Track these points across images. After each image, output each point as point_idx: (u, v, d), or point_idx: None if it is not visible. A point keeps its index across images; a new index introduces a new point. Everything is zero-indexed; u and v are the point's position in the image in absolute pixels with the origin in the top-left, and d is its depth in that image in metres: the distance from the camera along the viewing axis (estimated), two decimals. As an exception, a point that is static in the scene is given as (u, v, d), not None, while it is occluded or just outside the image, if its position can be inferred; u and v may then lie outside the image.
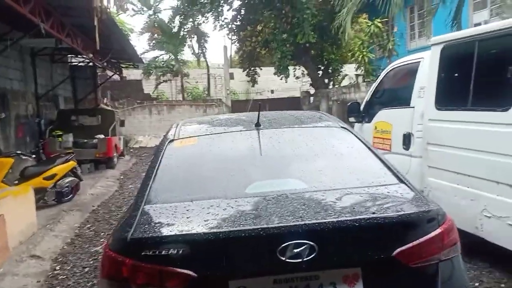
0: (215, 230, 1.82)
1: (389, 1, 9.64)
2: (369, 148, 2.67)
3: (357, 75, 19.93)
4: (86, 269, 4.51)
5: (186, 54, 24.04)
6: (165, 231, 1.87)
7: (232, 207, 2.02)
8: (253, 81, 21.94)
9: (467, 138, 3.71)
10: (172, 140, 2.76)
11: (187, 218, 1.96)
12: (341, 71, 19.51)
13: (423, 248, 1.88)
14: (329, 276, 1.84)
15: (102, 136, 10.82)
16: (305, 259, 1.75)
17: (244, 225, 1.83)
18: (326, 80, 19.79)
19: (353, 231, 1.84)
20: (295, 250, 1.75)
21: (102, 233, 5.77)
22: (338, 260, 1.83)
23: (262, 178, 2.37)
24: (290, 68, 19.28)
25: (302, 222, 1.82)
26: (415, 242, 1.86)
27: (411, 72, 4.86)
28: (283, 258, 1.74)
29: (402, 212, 1.97)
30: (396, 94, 5.35)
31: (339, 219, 1.86)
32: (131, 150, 16.02)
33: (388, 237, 1.88)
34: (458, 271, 2.02)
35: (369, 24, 15.05)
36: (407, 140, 4.64)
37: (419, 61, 4.74)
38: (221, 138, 2.83)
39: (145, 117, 18.98)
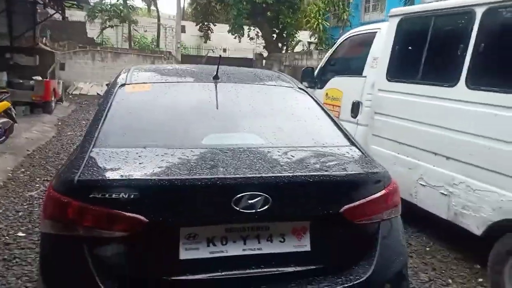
0: (170, 177, 1.78)
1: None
2: (324, 111, 2.71)
3: (309, 43, 20.06)
4: (20, 213, 4.31)
5: (136, 0, 22.65)
6: (116, 175, 1.79)
7: (188, 156, 1.98)
8: (206, 37, 21.40)
9: (413, 110, 3.88)
10: (123, 84, 2.62)
11: (140, 163, 1.89)
12: (295, 37, 19.48)
13: (368, 207, 1.97)
14: (279, 227, 1.89)
15: (39, 78, 10.09)
16: (258, 210, 1.77)
17: (201, 174, 1.81)
18: (280, 44, 19.73)
19: (306, 186, 1.88)
20: (250, 201, 1.76)
21: (38, 179, 5.50)
22: (289, 213, 1.87)
23: (219, 131, 2.34)
24: (245, 28, 18.95)
25: (259, 175, 1.83)
26: (361, 201, 1.95)
27: (366, 42, 4.94)
28: (237, 208, 1.75)
29: (352, 172, 2.04)
30: (349, 63, 5.44)
31: (294, 174, 1.90)
32: (70, 96, 15.20)
33: (337, 194, 1.95)
34: (397, 231, 2.15)
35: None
36: (355, 108, 4.78)
37: (376, 32, 4.82)
38: (177, 87, 2.74)
39: (87, 63, 17.90)
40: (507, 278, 2.98)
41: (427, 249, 3.90)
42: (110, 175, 1.80)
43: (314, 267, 1.91)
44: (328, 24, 16.10)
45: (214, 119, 2.45)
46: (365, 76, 4.72)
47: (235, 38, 19.74)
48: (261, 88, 2.92)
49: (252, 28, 20.11)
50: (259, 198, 1.77)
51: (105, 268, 1.74)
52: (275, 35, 19.78)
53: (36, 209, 4.45)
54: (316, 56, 14.97)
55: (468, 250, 3.76)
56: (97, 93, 17.21)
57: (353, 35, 5.37)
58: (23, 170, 5.85)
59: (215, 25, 22.32)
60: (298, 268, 1.88)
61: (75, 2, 14.21)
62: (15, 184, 5.23)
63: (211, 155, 2.01)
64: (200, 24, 21.45)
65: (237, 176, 1.81)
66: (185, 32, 23.29)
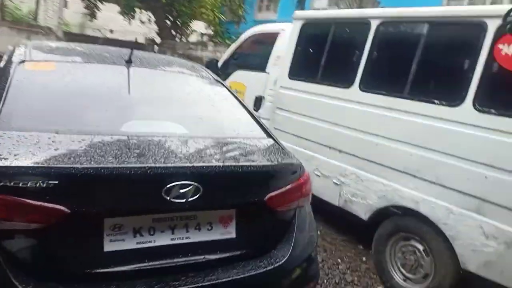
0: (94, 165, 1.70)
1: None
2: (241, 103, 2.83)
3: (202, 34, 20.01)
4: None
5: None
6: (30, 161, 1.65)
7: (109, 144, 1.89)
8: (92, 15, 19.83)
9: (311, 107, 4.23)
10: (23, 61, 2.39)
11: (56, 150, 1.75)
12: (190, 26, 19.24)
13: (287, 195, 2.15)
14: (206, 216, 1.95)
15: None
16: (189, 199, 1.80)
17: (128, 163, 1.76)
18: (174, 32, 19.28)
19: (234, 176, 1.98)
20: (181, 191, 1.78)
21: None
22: (216, 202, 1.94)
23: (138, 118, 2.29)
24: (137, 11, 18.10)
25: (191, 164, 1.86)
26: (282, 190, 2.11)
27: (270, 40, 5.19)
28: (168, 198, 1.76)
29: (274, 163, 2.19)
30: (253, 58, 5.65)
31: (224, 164, 1.98)
32: None
33: (261, 183, 2.08)
34: (309, 216, 2.38)
35: (224, -15, 15.19)
36: (258, 102, 5.00)
37: (279, 32, 5.10)
38: (87, 68, 2.58)
39: None
40: (388, 256, 3.47)
41: (318, 232, 4.30)
42: (24, 161, 1.65)
43: (239, 252, 2.01)
44: (224, 18, 16.26)
45: (132, 105, 2.39)
46: (268, 73, 4.97)
47: (124, 20, 18.70)
48: (177, 76, 2.92)
49: (144, 11, 19.28)
50: (191, 187, 1.80)
51: (20, 264, 1.61)
52: (169, 22, 19.28)
53: None
54: (211, 48, 15.06)
55: (351, 234, 4.26)
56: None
57: (257, 33, 5.59)
58: None
59: (103, 4, 20.84)
60: (224, 255, 1.97)
61: None
62: None
63: (135, 143, 1.96)
64: (87, 0, 19.81)
65: (169, 165, 1.82)
66: (66, 8, 21.32)
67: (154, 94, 2.54)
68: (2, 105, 1.95)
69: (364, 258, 3.89)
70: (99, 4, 19.60)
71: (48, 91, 2.24)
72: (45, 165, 1.63)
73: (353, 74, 3.77)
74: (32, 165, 1.62)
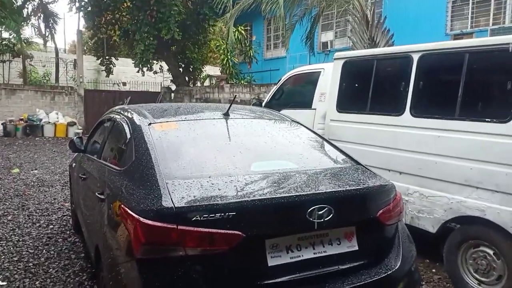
0: (258, 197, 2.13)
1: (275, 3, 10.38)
2: (324, 139, 3.27)
3: (210, 76, 20.82)
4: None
5: (30, 34, 21.13)
6: (209, 199, 2.08)
7: (252, 181, 2.33)
8: (108, 71, 20.81)
9: (364, 136, 4.64)
10: (150, 123, 2.86)
11: (219, 189, 2.19)
12: (202, 71, 20.10)
13: (392, 211, 2.54)
14: (335, 233, 2.34)
15: None
16: (325, 219, 2.20)
17: (277, 193, 2.19)
18: (187, 78, 20.13)
19: (353, 197, 2.39)
20: (319, 212, 2.19)
21: None
22: (341, 220, 2.34)
23: (258, 159, 2.72)
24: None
25: (325, 190, 2.28)
26: (389, 206, 2.51)
27: (311, 80, 5.70)
28: (311, 219, 2.17)
29: (380, 184, 2.59)
30: (296, 97, 6.15)
31: (346, 188, 2.38)
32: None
33: (373, 202, 2.48)
34: (405, 229, 2.76)
35: (234, 30, 16.02)
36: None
37: (320, 71, 5.61)
38: (200, 124, 3.06)
39: (-23, 101, 16.21)
40: (460, 264, 3.78)
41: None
42: (205, 200, 2.07)
43: (363, 262, 2.39)
44: (236, 60, 17.07)
45: (247, 150, 2.82)
46: (315, 109, 5.44)
47: (138, 72, 19.63)
48: (267, 121, 3.36)
49: (155, 62, 20.23)
50: (326, 209, 2.21)
51: (211, 281, 2.00)
52: (181, 69, 20.16)
53: (2, 257, 4.18)
54: (227, 90, 15.69)
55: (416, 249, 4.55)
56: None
57: (296, 74, 6.12)
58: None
59: (117, 59, 21.87)
60: (353, 264, 2.35)
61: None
62: None
63: (269, 179, 2.40)
64: (101, 58, 20.82)
65: (310, 192, 2.23)
66: (83, 66, 22.35)
67: (258, 139, 2.98)
68: (157, 161, 2.39)
69: (434, 270, 4.19)
70: (113, 60, 20.60)
71: (182, 145, 2.69)
72: (223, 201, 2.04)
73: (403, 102, 4.21)
74: (213, 202, 2.04)
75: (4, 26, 18.00)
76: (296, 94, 6.22)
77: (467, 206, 3.69)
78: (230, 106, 3.10)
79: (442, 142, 3.88)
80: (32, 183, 7.92)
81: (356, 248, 2.38)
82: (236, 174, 2.40)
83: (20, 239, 4.76)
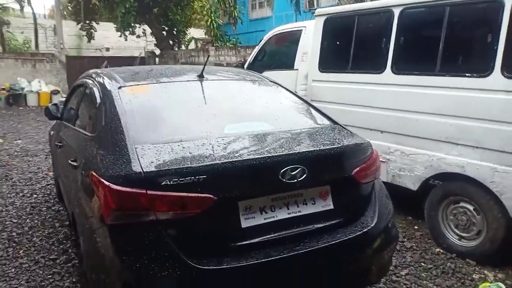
0: (229, 160, 2.09)
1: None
2: (301, 98, 3.21)
3: (196, 39, 20.34)
4: None
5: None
6: (179, 163, 2.04)
7: (225, 144, 2.29)
8: (89, 36, 20.30)
9: (345, 95, 4.59)
10: (120, 87, 2.76)
11: (190, 153, 2.14)
12: (186, 34, 19.61)
13: (367, 169, 2.53)
14: (310, 193, 2.33)
15: None
16: (299, 179, 2.18)
17: (249, 155, 2.15)
18: (171, 42, 19.66)
19: (327, 157, 2.36)
20: (292, 173, 2.16)
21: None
22: (316, 180, 2.32)
23: (232, 121, 2.66)
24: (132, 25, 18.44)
25: (298, 150, 2.24)
26: (364, 164, 2.50)
27: (293, 39, 5.55)
28: (284, 180, 2.14)
29: (354, 142, 2.56)
30: (278, 57, 6.01)
31: (319, 148, 2.35)
32: None
33: (348, 161, 2.46)
34: (382, 186, 2.76)
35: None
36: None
37: (301, 30, 5.46)
38: (172, 86, 2.97)
39: (-46, 70, 15.72)
40: (441, 220, 3.84)
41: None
42: (175, 164, 2.03)
43: (338, 220, 2.39)
44: (221, 21, 16.63)
45: (221, 112, 2.75)
46: (297, 69, 5.33)
47: (120, 36, 19.10)
48: (243, 82, 3.28)
49: (138, 25, 19.65)
50: (299, 169, 2.18)
51: (183, 243, 1.99)
52: (165, 33, 19.65)
53: None
54: (212, 53, 15.37)
55: (398, 207, 4.60)
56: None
57: (278, 33, 5.95)
58: None
59: (98, 23, 21.24)
60: (328, 223, 2.35)
61: None
62: None
63: (242, 140, 2.35)
64: (82, 23, 20.20)
65: (283, 153, 2.20)
66: (62, 32, 21.67)
67: (233, 101, 2.91)
68: (126, 125, 2.32)
69: (416, 227, 4.27)
70: (94, 24, 19.99)
71: (153, 109, 2.61)
72: (193, 164, 2.00)
73: (384, 59, 4.13)
74: (182, 166, 2.00)
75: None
76: (278, 55, 6.08)
77: (447, 163, 3.71)
78: (204, 67, 3.00)
79: (422, 99, 3.84)
80: (16, 153, 7.81)
81: (332, 207, 2.38)
82: (208, 137, 2.34)
83: (4, 209, 4.73)
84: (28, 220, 4.43)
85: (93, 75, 3.26)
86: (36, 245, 3.84)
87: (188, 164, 2.03)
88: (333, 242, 2.27)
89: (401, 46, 4.03)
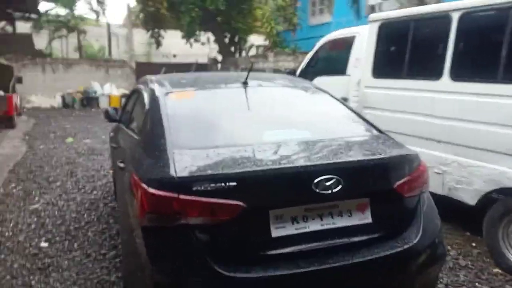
0: (261, 168, 2.07)
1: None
2: (346, 106, 3.11)
3: (257, 46, 20.57)
4: (33, 226, 4.32)
5: (83, 10, 21.88)
6: (212, 169, 2.05)
7: (260, 151, 2.26)
8: (158, 44, 21.23)
9: (400, 102, 4.38)
10: (167, 93, 2.85)
11: (224, 160, 2.15)
12: (247, 41, 19.91)
13: (413, 182, 2.38)
14: (346, 205, 2.23)
15: (2, 92, 9.71)
16: (333, 190, 2.10)
17: (284, 164, 2.11)
18: (233, 48, 20.06)
19: (366, 168, 2.26)
20: (327, 183, 2.09)
21: (34, 192, 5.46)
22: (353, 192, 2.22)
23: (270, 129, 2.63)
24: (197, 33, 19.07)
25: (333, 160, 2.17)
26: (407, 178, 2.35)
27: (346, 44, 5.42)
28: (317, 190, 2.08)
29: (398, 154, 2.43)
30: (331, 63, 5.91)
31: (358, 158, 2.26)
32: (24, 110, 14.55)
33: (390, 173, 2.33)
34: (431, 202, 2.58)
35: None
36: (344, 104, 5.24)
37: (355, 35, 5.32)
38: (216, 93, 3.02)
39: (37, 75, 17.21)
40: (501, 238, 3.53)
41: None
42: (207, 170, 2.05)
43: (377, 235, 2.27)
44: (281, 28, 16.68)
45: (262, 119, 2.74)
46: (349, 75, 5.20)
47: (186, 43, 19.78)
48: (287, 89, 3.26)
49: (202, 33, 20.28)
50: (334, 180, 2.10)
51: (213, 250, 2.00)
52: (227, 40, 20.10)
53: (47, 220, 4.48)
54: (271, 59, 15.45)
55: (456, 222, 4.32)
56: (51, 106, 16.66)
57: (331, 39, 5.84)
58: (13, 185, 5.76)
59: (165, 31, 22.20)
60: (365, 237, 2.24)
61: (25, 13, 13.66)
62: (13, 199, 5.18)
63: (279, 148, 2.32)
64: (151, 30, 21.23)
65: (316, 163, 2.14)
66: (133, 40, 23.00)
67: (274, 107, 2.89)
68: (168, 130, 2.39)
69: (473, 244, 3.96)
70: (162, 32, 20.93)
71: (195, 114, 2.67)
72: (224, 171, 2.01)
73: (441, 65, 3.89)
74: (214, 172, 2.01)
75: (58, 3, 18.74)
76: (331, 61, 5.96)
77: (509, 177, 3.41)
78: (248, 74, 3.01)
79: (483, 108, 3.57)
80: (83, 151, 8.35)
81: (370, 220, 2.26)
82: (245, 144, 2.34)
83: (65, 204, 5.07)
84: (85, 215, 4.70)
85: (146, 81, 3.41)
86: (90, 239, 4.06)
87: (219, 170, 2.04)
88: (370, 258, 2.15)
89: (459, 52, 3.78)
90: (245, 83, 3.00)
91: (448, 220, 4.35)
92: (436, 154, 4.00)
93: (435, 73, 3.99)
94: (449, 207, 3.96)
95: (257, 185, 2.06)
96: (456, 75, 3.81)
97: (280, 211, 2.10)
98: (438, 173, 3.98)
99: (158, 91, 2.92)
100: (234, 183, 1.99)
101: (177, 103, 2.75)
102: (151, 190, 2.04)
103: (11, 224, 4.35)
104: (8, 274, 3.34)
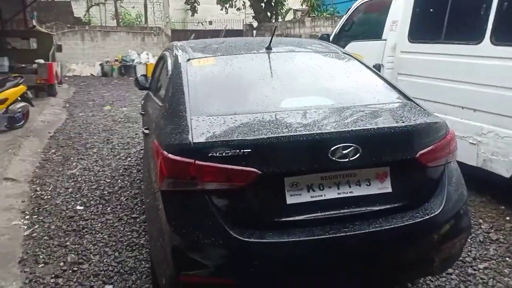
0: (276, 135, 2.03)
1: None
2: (374, 72, 2.98)
3: (295, 10, 20.02)
4: (70, 190, 4.54)
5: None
6: (227, 136, 2.05)
7: (278, 118, 2.23)
8: (193, 10, 21.16)
9: (437, 69, 4.16)
10: (189, 59, 2.84)
11: (240, 126, 2.14)
12: (284, 5, 19.42)
13: (437, 152, 2.27)
14: (365, 173, 2.17)
15: (42, 61, 10.05)
16: (350, 159, 2.05)
17: (300, 131, 2.07)
18: (269, 14, 19.65)
19: (387, 137, 2.17)
20: (344, 151, 2.03)
21: (72, 158, 5.70)
22: (372, 160, 2.14)
23: (292, 95, 2.58)
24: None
25: (351, 128, 2.10)
26: (431, 147, 2.24)
27: (382, 7, 5.15)
28: (334, 158, 2.03)
29: (422, 122, 2.32)
30: (366, 27, 5.65)
31: (378, 126, 2.18)
32: (65, 78, 15.05)
33: (412, 142, 2.23)
34: (457, 172, 2.47)
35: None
36: (377, 70, 5.03)
37: (393, -4, 5.03)
38: (239, 59, 2.96)
39: (77, 43, 17.64)
40: (537, 212, 3.37)
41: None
42: (223, 136, 2.05)
43: (396, 205, 2.20)
44: (318, -10, 16.15)
45: (283, 85, 2.68)
46: (385, 40, 4.96)
47: (221, 9, 19.58)
48: (312, 54, 3.15)
49: (238, -2, 19.96)
50: (351, 148, 2.04)
51: (227, 215, 2.02)
52: (263, 5, 19.68)
53: (83, 185, 4.69)
54: (308, 24, 15.04)
55: (491, 195, 4.15)
56: (91, 74, 17.13)
57: (366, 1, 5.56)
58: (53, 151, 6.03)
59: (201, -2, 22.03)
60: (383, 207, 2.18)
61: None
62: (52, 164, 5.44)
63: (297, 115, 2.27)
64: (187, -2, 21.14)
65: (333, 130, 2.08)
66: (169, 6, 23.00)
67: (297, 73, 2.82)
68: (189, 97, 2.39)
69: (508, 218, 3.79)
70: (197, -2, 20.77)
71: (217, 81, 2.66)
72: (239, 138, 2.00)
73: (482, 29, 3.63)
74: (228, 138, 2.01)
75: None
76: (366, 24, 5.68)
77: (550, 149, 3.20)
78: (271, 39, 2.93)
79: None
80: (120, 119, 8.58)
81: (389, 190, 2.19)
82: (264, 111, 2.31)
83: (101, 170, 5.27)
84: (119, 181, 4.88)
85: (171, 48, 3.40)
86: (122, 203, 4.22)
87: (235, 137, 2.03)
88: (387, 227, 2.10)
89: (503, 13, 3.50)
90: (268, 48, 2.93)
91: (483, 192, 4.19)
92: (471, 123, 3.81)
93: (475, 37, 3.74)
94: (485, 180, 3.80)
95: (272, 152, 2.03)
96: (498, 39, 3.56)
97: (295, 179, 2.08)
98: (472, 143, 3.80)
99: (181, 57, 2.91)
100: (249, 150, 1.97)
101: (198, 69, 2.74)
102: (169, 156, 2.07)
103: (50, 188, 4.59)
104: (46, 235, 3.55)
